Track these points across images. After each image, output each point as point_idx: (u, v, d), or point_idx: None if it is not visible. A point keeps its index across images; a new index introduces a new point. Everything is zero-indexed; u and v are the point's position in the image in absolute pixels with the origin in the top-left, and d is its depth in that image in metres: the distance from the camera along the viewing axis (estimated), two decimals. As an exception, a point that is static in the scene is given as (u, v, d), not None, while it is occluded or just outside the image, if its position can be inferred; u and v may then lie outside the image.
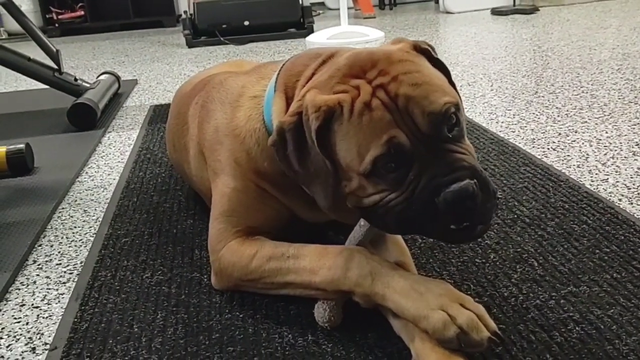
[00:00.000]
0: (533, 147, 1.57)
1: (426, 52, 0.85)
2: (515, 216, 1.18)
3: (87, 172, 1.68)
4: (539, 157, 1.50)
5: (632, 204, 1.21)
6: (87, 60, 3.76)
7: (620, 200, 1.23)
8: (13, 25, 5.21)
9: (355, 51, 0.85)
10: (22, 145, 1.64)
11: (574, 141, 1.59)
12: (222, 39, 3.91)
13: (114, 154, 1.83)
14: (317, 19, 4.93)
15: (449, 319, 0.75)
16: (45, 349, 0.90)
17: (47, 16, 5.22)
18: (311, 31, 3.98)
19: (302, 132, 0.81)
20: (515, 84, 2.26)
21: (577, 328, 0.83)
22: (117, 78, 2.56)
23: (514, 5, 4.38)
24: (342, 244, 0.91)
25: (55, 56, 2.23)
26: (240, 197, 0.96)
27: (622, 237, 1.06)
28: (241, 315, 0.93)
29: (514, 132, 1.71)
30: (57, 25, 5.21)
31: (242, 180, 0.96)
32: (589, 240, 1.06)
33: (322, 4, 5.73)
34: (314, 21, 4.08)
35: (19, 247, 1.22)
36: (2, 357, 0.90)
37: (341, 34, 3.71)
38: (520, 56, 2.76)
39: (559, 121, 1.77)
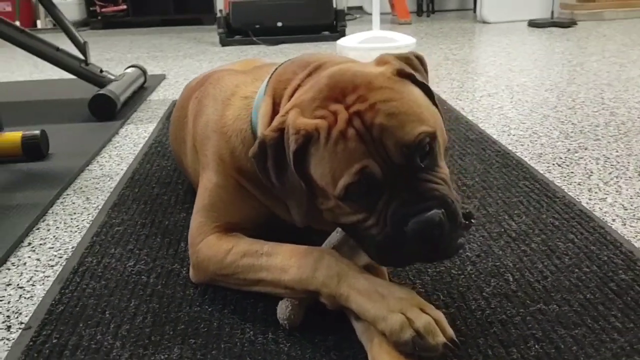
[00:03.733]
0: (539, 161, 1.55)
1: (410, 77, 0.85)
2: (502, 230, 1.16)
3: (97, 161, 1.73)
4: (542, 172, 1.47)
5: (625, 225, 1.18)
6: (123, 54, 3.86)
7: (614, 220, 1.20)
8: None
9: (339, 69, 0.86)
10: (37, 132, 1.70)
11: (581, 158, 1.55)
12: (254, 38, 3.95)
13: (127, 145, 1.88)
14: (354, 22, 4.95)
15: (407, 321, 0.75)
16: (20, 328, 0.94)
17: (90, 9, 5.38)
18: (343, 35, 3.99)
19: (282, 149, 0.83)
20: (536, 97, 2.22)
21: (536, 346, 0.82)
22: (144, 72, 2.62)
23: (552, 18, 4.30)
24: (320, 244, 0.92)
25: (82, 48, 2.31)
26: (221, 193, 0.99)
27: (605, 258, 1.04)
28: (209, 309, 0.95)
29: (522, 145, 1.68)
30: (99, 17, 5.37)
31: (224, 177, 0.99)
32: (571, 258, 1.04)
33: (360, 8, 5.74)
34: (346, 25, 4.09)
35: (17, 229, 1.27)
36: (-20, 332, 0.94)
37: (372, 38, 3.70)
38: (548, 70, 2.71)
39: (571, 137, 1.73)
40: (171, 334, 0.89)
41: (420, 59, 0.93)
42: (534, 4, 4.48)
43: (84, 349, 0.87)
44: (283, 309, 0.88)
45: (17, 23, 5.39)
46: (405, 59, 0.90)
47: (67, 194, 1.49)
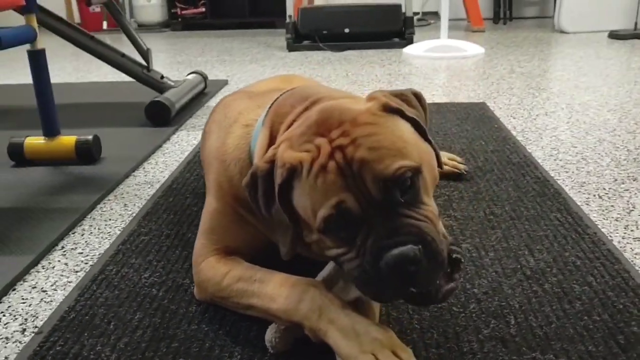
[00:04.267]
0: (579, 191, 1.47)
1: (398, 112, 0.84)
2: (518, 266, 1.12)
3: (144, 167, 1.81)
4: (580, 203, 1.40)
5: (654, 270, 1.10)
6: (194, 57, 4.00)
7: (643, 264, 1.13)
8: (142, 17, 5.66)
9: (330, 106, 0.86)
10: (90, 137, 1.80)
11: (627, 190, 1.47)
12: (320, 44, 3.98)
13: (175, 152, 1.96)
14: (427, 29, 4.88)
15: (378, 363, 0.75)
16: (33, 332, 1.01)
17: (172, 10, 5.60)
18: (411, 42, 3.95)
19: (271, 181, 0.84)
20: (596, 118, 2.11)
21: (519, 399, 0.79)
22: (204, 78, 2.71)
23: (635, 29, 4.05)
24: (317, 272, 0.93)
25: (145, 54, 2.41)
26: (220, 218, 1.01)
27: (621, 306, 0.98)
28: (206, 329, 0.98)
29: (567, 172, 1.60)
30: (179, 19, 5.59)
31: (223, 204, 1.01)
32: (583, 304, 0.99)
33: (436, 13, 5.65)
34: (414, 32, 4.04)
35: (54, 232, 1.35)
36: (5, 337, 1.01)
37: (439, 47, 3.64)
38: (617, 87, 2.57)
39: (622, 165, 1.63)
40: (164, 351, 0.93)
41: (417, 96, 0.92)
42: (616, 14, 4.24)
43: (82, 358, 0.92)
44: (269, 334, 0.90)
45: (105, 24, 5.73)
46: (400, 95, 0.89)
47: (108, 200, 1.57)
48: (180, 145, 2.03)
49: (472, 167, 1.63)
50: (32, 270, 1.22)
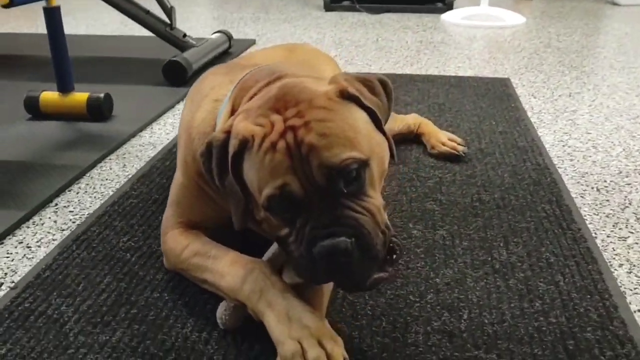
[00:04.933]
0: (578, 182, 1.42)
1: (355, 99, 0.83)
2: (488, 259, 1.10)
3: (151, 128, 1.84)
4: (575, 195, 1.36)
5: (630, 273, 1.07)
6: (230, 12, 3.99)
7: (620, 265, 1.09)
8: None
9: (291, 82, 0.86)
10: (102, 95, 1.84)
11: (628, 185, 1.41)
12: (357, 5, 3.90)
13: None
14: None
15: (300, 351, 0.76)
16: (9, 287, 1.06)
17: (216, -37, 5.56)
18: (450, 7, 3.82)
19: (226, 152, 0.84)
20: (621, 102, 2.01)
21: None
22: (229, 38, 2.71)
23: (694, 3, 3.79)
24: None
25: (169, 12, 2.42)
26: (184, 192, 1.03)
27: (582, 310, 0.95)
28: (166, 297, 1.01)
29: (572, 159, 1.55)
30: (223, -27, 5.54)
31: (187, 178, 1.03)
32: (544, 303, 0.97)
33: (486, -24, 5.41)
34: (455, -3, 3.90)
35: (50, 188, 1.41)
36: (-24, 285, 1.07)
37: (477, 15, 3.51)
38: (655, 69, 2.43)
39: (633, 156, 1.56)
40: (122, 316, 0.97)
41: (383, 83, 0.90)
42: (675, -13, 3.97)
43: (46, 317, 0.97)
44: (221, 311, 0.92)
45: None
46: (363, 80, 0.88)
47: (109, 159, 1.61)
48: (193, 106, 2.04)
49: (474, 149, 1.59)
50: (22, 226, 1.27)
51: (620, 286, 1.03)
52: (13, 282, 1.08)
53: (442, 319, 0.94)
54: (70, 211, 1.33)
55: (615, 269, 1.08)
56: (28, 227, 1.27)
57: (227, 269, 0.90)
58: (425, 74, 2.37)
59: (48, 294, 1.02)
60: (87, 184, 1.46)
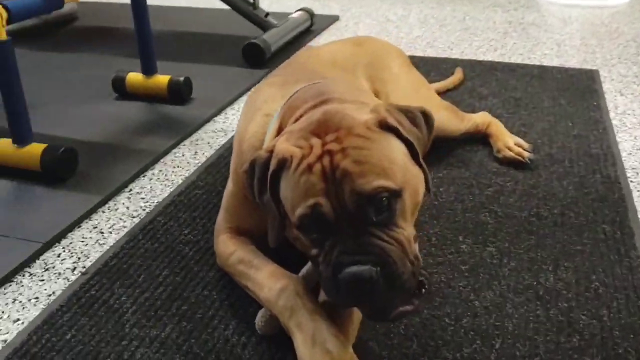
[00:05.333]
0: (650, 200, 1.35)
1: (394, 130, 0.84)
2: (534, 283, 1.09)
3: (225, 113, 1.92)
4: (643, 216, 1.29)
5: (682, 313, 1.02)
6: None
7: (675, 303, 1.04)
8: None
9: (334, 108, 0.88)
10: (182, 78, 1.93)
11: None
12: (449, -22, 3.76)
13: (260, 97, 2.03)
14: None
15: (319, 376, 0.81)
16: (80, 272, 1.18)
17: None
18: (549, -18, 3.60)
19: (267, 169, 0.89)
20: None
21: None
22: (311, 16, 2.72)
23: None
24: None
25: (252, -9, 2.47)
26: (234, 200, 1.09)
27: (621, 350, 0.93)
28: (215, 296, 1.08)
29: (649, 173, 1.47)
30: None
31: (237, 188, 1.09)
32: (581, 340, 0.96)
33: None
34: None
35: (126, 173, 1.52)
36: (53, 267, 1.20)
37: (578, -8, 3.30)
38: None
39: None
40: (174, 312, 1.05)
41: (426, 115, 0.90)
42: None
43: (107, 306, 1.07)
44: (260, 317, 0.98)
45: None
46: (405, 111, 0.88)
47: (183, 145, 1.70)
48: (268, 89, 2.10)
49: (543, 154, 1.54)
50: (99, 210, 1.39)
51: (670, 327, 0.99)
52: (84, 267, 1.19)
53: (473, 346, 0.96)
54: (142, 198, 1.44)
55: (669, 306, 1.04)
56: (103, 212, 1.38)
57: (265, 281, 0.95)
58: (507, 61, 2.28)
59: (112, 283, 1.13)
60: (160, 171, 1.56)
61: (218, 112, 1.91)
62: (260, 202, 0.91)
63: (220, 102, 1.95)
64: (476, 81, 2.06)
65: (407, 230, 0.83)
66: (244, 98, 2.03)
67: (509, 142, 1.53)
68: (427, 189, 0.88)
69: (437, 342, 0.97)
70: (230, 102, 1.98)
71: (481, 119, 1.62)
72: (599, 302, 1.04)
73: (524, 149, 1.51)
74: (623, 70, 2.19)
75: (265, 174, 0.88)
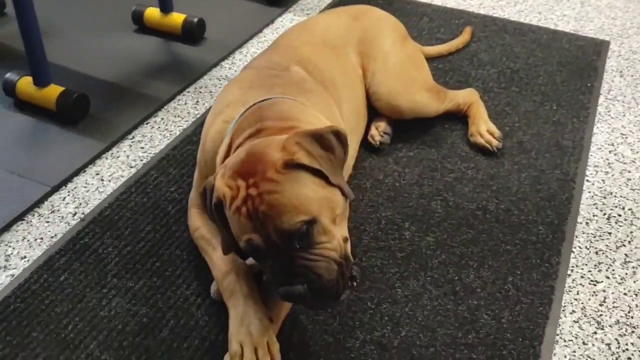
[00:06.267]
0: (594, 204, 1.46)
1: (299, 165, 0.98)
2: (455, 278, 1.25)
3: (233, 57, 2.03)
4: (581, 220, 1.41)
5: (578, 322, 1.18)
6: None
7: (572, 313, 1.20)
8: None
9: (253, 150, 1.01)
10: (195, 20, 2.03)
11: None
12: None
13: (268, 42, 2.13)
14: None
15: (240, 353, 1.02)
16: (80, 217, 1.39)
17: None
18: None
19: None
20: None
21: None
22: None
23: None
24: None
25: None
26: (199, 184, 1.27)
27: (505, 352, 1.11)
28: (185, 256, 1.29)
29: (606, 174, 1.56)
30: None
31: (200, 175, 1.27)
32: (478, 336, 1.14)
33: None
34: None
35: (131, 120, 1.69)
36: (58, 210, 1.41)
37: None
38: None
39: (673, 181, 1.54)
40: (148, 267, 1.27)
41: (337, 135, 1.02)
42: None
43: (96, 255, 1.29)
44: (213, 285, 1.19)
45: None
46: (317, 136, 1.01)
47: (188, 92, 1.85)
48: (280, 31, 2.18)
49: (515, 142, 1.64)
50: (102, 156, 1.59)
51: (558, 334, 1.16)
52: (83, 213, 1.41)
53: (383, 331, 1.15)
54: (142, 147, 1.62)
55: (565, 316, 1.20)
56: (106, 159, 1.58)
57: (217, 261, 1.15)
58: (522, 21, 2.28)
59: (103, 233, 1.34)
60: (162, 119, 1.73)
61: (227, 56, 2.03)
62: (213, 219, 1.08)
63: (231, 46, 2.06)
64: (481, 44, 2.09)
65: (332, 241, 0.99)
66: (254, 41, 2.12)
67: (481, 128, 1.62)
68: (345, 196, 1.03)
69: (355, 323, 1.16)
70: (240, 46, 2.09)
71: (464, 98, 1.70)
72: (504, 304, 1.21)
73: (495, 137, 1.61)
74: (635, 44, 2.18)
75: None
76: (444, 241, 1.34)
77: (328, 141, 1.02)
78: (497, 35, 2.16)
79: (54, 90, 1.66)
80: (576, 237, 1.38)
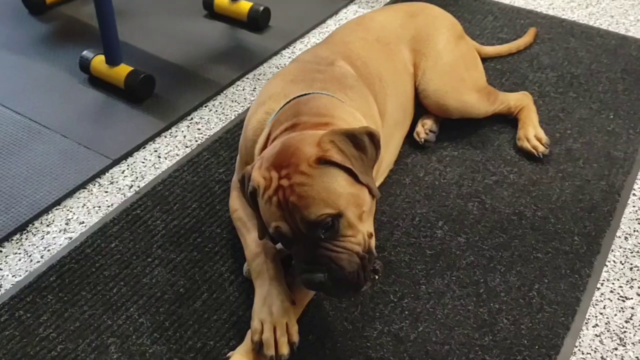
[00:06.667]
0: (637, 219, 1.43)
1: (332, 163, 1.03)
2: (481, 280, 1.27)
3: (293, 47, 2.09)
4: (620, 235, 1.39)
5: (601, 336, 1.18)
6: None
7: (594, 327, 1.19)
8: None
9: (288, 143, 1.07)
10: (261, 8, 2.11)
11: (688, 238, 1.39)
12: None
13: (331, 30, 2.17)
14: None
15: (260, 330, 1.09)
16: (135, 190, 1.51)
17: None
18: None
19: None
20: None
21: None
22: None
23: None
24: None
25: None
26: (240, 168, 1.35)
27: (518, 357, 1.13)
28: (225, 235, 1.37)
29: (658, 188, 1.52)
30: None
31: (241, 161, 1.34)
32: (494, 339, 1.16)
33: None
34: None
35: (192, 101, 1.79)
36: (116, 182, 1.53)
37: None
38: None
39: None
40: (191, 241, 1.36)
41: (371, 136, 1.07)
42: None
43: (145, 226, 1.40)
44: (246, 264, 1.27)
45: None
46: (351, 136, 1.06)
47: (247, 78, 1.93)
48: (341, 24, 2.22)
49: (563, 149, 1.62)
50: (162, 134, 1.69)
51: (577, 346, 1.16)
52: (139, 187, 1.52)
53: (401, 325, 1.19)
54: (198, 129, 1.72)
55: (587, 329, 1.20)
56: (165, 137, 1.69)
57: (250, 243, 1.23)
58: (591, 24, 2.21)
59: (154, 207, 1.45)
60: (220, 103, 1.82)
61: (288, 45, 2.09)
62: (249, 205, 1.15)
63: (293, 35, 2.12)
64: (544, 47, 2.06)
65: (356, 235, 1.05)
66: (316, 32, 2.18)
67: (529, 133, 1.62)
68: (372, 195, 1.08)
69: (375, 314, 1.21)
70: (302, 35, 2.15)
71: (516, 101, 1.70)
72: (526, 311, 1.22)
73: (542, 143, 1.60)
74: None
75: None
76: (474, 243, 1.36)
77: (361, 141, 1.06)
78: (562, 38, 2.11)
79: (123, 70, 1.78)
80: (612, 250, 1.36)
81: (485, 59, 1.95)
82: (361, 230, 1.06)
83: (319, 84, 1.29)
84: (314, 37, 2.14)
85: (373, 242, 1.09)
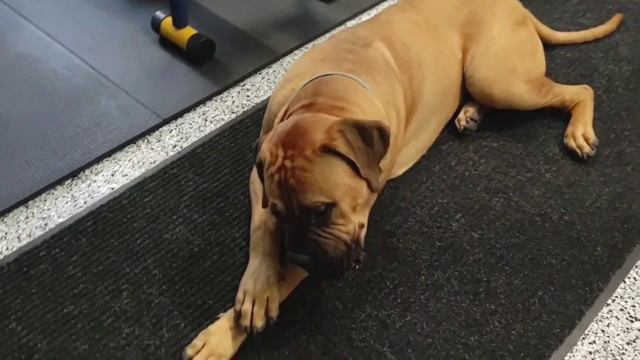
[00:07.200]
0: (681, 236, 1.33)
1: (335, 152, 1.05)
2: (485, 280, 1.25)
3: (360, 17, 2.08)
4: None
5: (591, 354, 1.13)
6: None
7: (591, 343, 1.14)
8: None
9: (300, 123, 1.10)
10: (331, -23, 2.11)
11: None
12: None
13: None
14: None
15: (242, 300, 1.16)
16: (178, 150, 1.61)
17: None
18: None
19: None
20: None
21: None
22: None
23: None
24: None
25: None
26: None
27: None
28: (246, 202, 1.44)
29: None
30: None
31: (262, 134, 1.38)
32: (489, 340, 1.15)
33: None
34: None
35: (246, 68, 1.85)
36: (163, 140, 1.64)
37: None
38: None
39: None
40: (214, 205, 1.44)
41: (381, 131, 1.07)
42: None
43: (179, 185, 1.50)
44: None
45: None
46: (361, 128, 1.07)
47: (305, 47, 1.95)
48: None
49: (612, 153, 1.52)
50: (213, 98, 1.78)
51: (565, 360, 1.13)
52: (182, 147, 1.63)
53: (390, 311, 1.22)
54: (247, 96, 1.78)
55: (583, 344, 1.15)
56: (215, 102, 1.77)
57: (256, 215, 1.29)
58: (691, 14, 2.00)
59: (190, 168, 1.55)
60: (274, 71, 1.87)
61: (354, 16, 2.09)
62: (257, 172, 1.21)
63: (361, 6, 2.11)
64: (626, 36, 1.90)
65: (347, 225, 1.08)
66: (385, 3, 2.14)
67: (577, 131, 1.53)
68: (371, 190, 1.10)
69: (368, 297, 1.24)
70: (370, 7, 2.13)
71: (572, 95, 1.60)
72: (521, 317, 1.19)
73: (588, 144, 1.50)
74: None
75: None
76: (487, 240, 1.34)
77: (370, 135, 1.08)
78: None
79: (187, 32, 1.87)
80: (635, 267, 1.28)
81: (555, 46, 1.85)
82: (352, 221, 1.09)
83: (347, 64, 1.30)
84: (382, 9, 2.11)
85: (363, 233, 1.12)
